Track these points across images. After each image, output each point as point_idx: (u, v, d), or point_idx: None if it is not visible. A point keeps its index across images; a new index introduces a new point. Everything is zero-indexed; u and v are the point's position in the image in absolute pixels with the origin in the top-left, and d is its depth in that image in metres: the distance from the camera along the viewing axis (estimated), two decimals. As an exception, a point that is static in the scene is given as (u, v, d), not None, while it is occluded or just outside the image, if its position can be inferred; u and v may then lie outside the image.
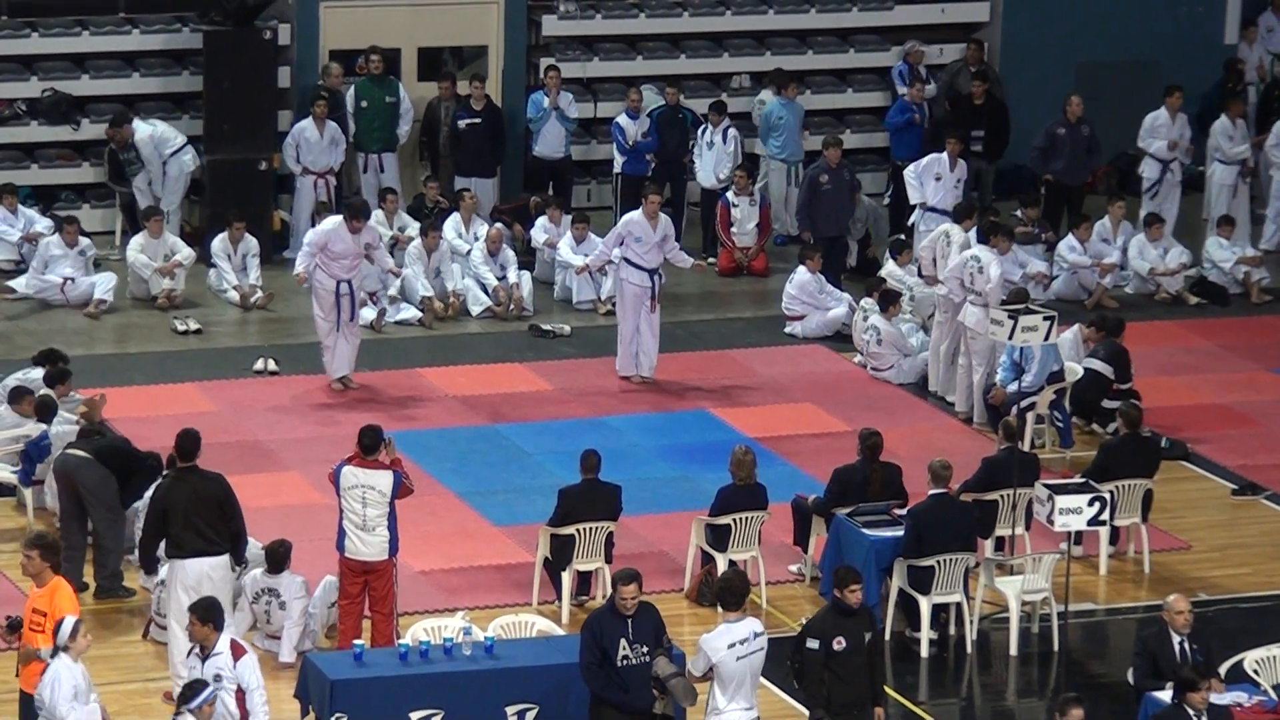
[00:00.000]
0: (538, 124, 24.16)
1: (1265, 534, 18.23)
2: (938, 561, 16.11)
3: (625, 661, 13.74)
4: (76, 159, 24.06)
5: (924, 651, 16.15)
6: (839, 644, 13.75)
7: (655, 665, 13.76)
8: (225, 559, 15.07)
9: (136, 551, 16.21)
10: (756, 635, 13.70)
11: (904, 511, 16.53)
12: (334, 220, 20.35)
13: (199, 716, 13.02)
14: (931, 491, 16.30)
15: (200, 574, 14.96)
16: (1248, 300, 23.30)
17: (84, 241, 22.51)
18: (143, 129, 23.22)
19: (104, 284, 22.22)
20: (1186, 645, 14.52)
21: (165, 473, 15.85)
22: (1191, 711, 13.58)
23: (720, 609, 13.91)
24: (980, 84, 24.82)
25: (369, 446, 15.46)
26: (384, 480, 15.41)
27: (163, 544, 15.18)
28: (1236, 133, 24.46)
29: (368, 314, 21.42)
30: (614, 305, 21.19)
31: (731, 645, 13.58)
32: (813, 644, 13.82)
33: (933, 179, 22.75)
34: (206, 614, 13.58)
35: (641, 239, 20.49)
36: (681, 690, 13.76)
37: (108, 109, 24.03)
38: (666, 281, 23.05)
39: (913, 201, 22.86)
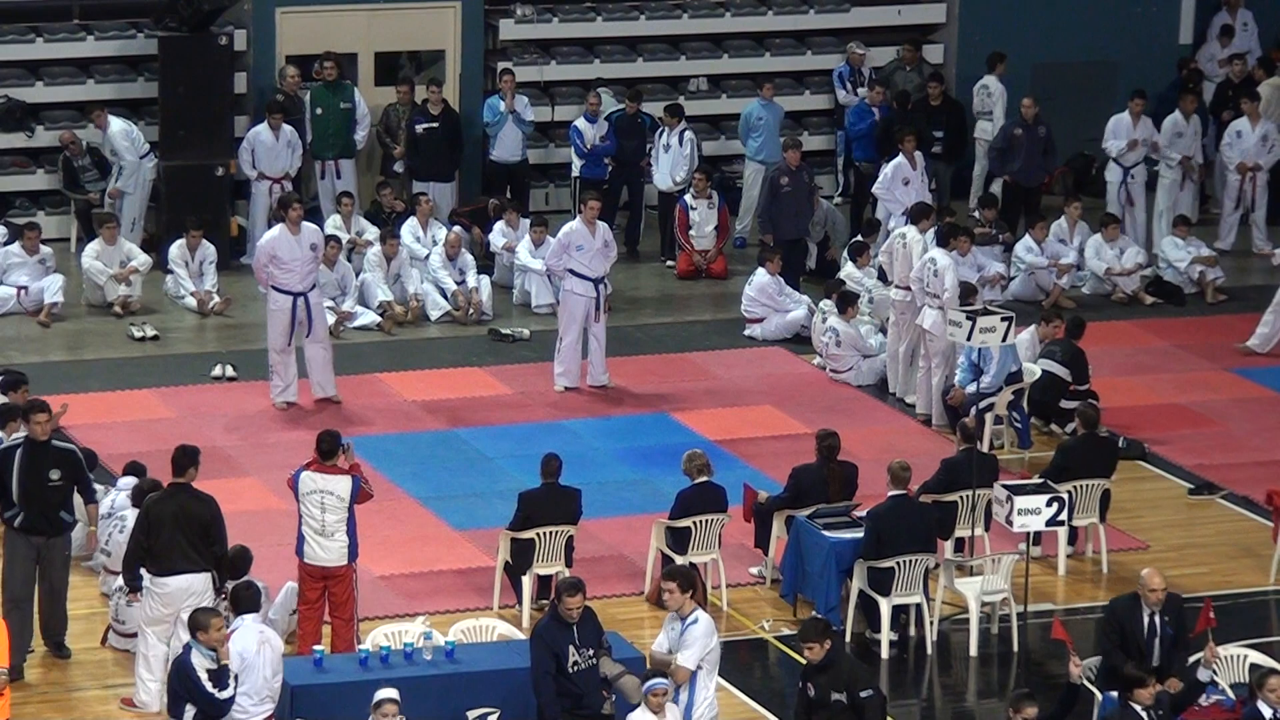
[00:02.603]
0: (494, 128, 24.15)
1: (1222, 533, 18.30)
2: (897, 563, 16.14)
3: (575, 667, 13.95)
4: (31, 166, 23.98)
5: (884, 653, 16.17)
6: (810, 690, 13.81)
7: (601, 666, 13.89)
8: (206, 577, 15.04)
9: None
10: None
11: (863, 513, 16.56)
12: (276, 227, 20.22)
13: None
14: (891, 493, 16.34)
15: (179, 590, 14.93)
16: (1203, 300, 23.39)
17: (44, 250, 22.41)
18: (118, 123, 23.13)
19: (52, 288, 22.06)
20: (1157, 619, 14.58)
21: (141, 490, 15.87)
22: (1139, 708, 13.63)
23: (691, 599, 13.97)
24: (936, 85, 24.89)
25: (327, 451, 15.43)
26: (342, 485, 15.38)
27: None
28: (1188, 129, 24.56)
29: (327, 319, 21.34)
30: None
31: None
32: (800, 684, 13.93)
33: (901, 184, 22.78)
34: (233, 598, 14.23)
35: (583, 246, 20.47)
36: (631, 688, 13.96)
37: (62, 116, 23.96)
38: (628, 286, 23.08)
39: (894, 215, 22.76)
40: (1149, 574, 14.71)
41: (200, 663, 13.51)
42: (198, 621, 13.63)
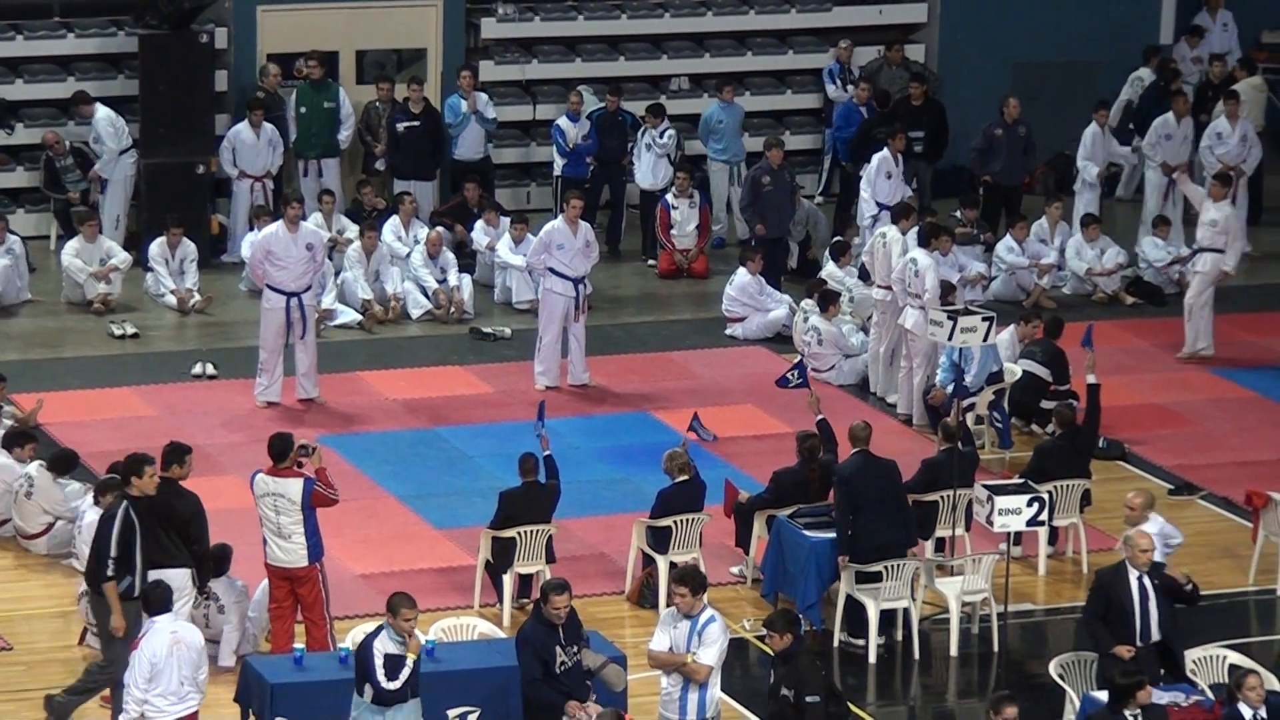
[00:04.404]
0: (457, 129, 24.10)
1: (1201, 534, 18.33)
2: (885, 567, 16.15)
3: (563, 666, 13.89)
4: (11, 163, 23.93)
5: (872, 656, 16.16)
6: (772, 676, 13.82)
7: (584, 659, 13.88)
8: (185, 572, 14.99)
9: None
10: None
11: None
12: (274, 223, 20.27)
13: None
14: (854, 452, 16.37)
15: None
16: (1183, 300, 23.39)
17: (11, 239, 22.34)
18: (104, 110, 23.09)
19: None
20: (1146, 581, 14.59)
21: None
22: (1128, 712, 13.62)
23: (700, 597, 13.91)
24: (918, 85, 24.90)
25: (277, 454, 15.37)
26: (293, 488, 15.29)
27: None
28: (1177, 131, 24.58)
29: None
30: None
31: None
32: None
33: (884, 178, 22.80)
34: (144, 599, 14.13)
35: (564, 245, 20.48)
36: (614, 676, 13.95)
37: (43, 113, 23.92)
38: (609, 284, 23.07)
39: (873, 212, 22.75)
40: (1136, 534, 14.67)
41: (382, 647, 13.50)
42: (390, 605, 13.61)
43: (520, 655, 13.91)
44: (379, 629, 13.68)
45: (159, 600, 13.96)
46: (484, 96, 24.21)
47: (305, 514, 15.27)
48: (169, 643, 13.77)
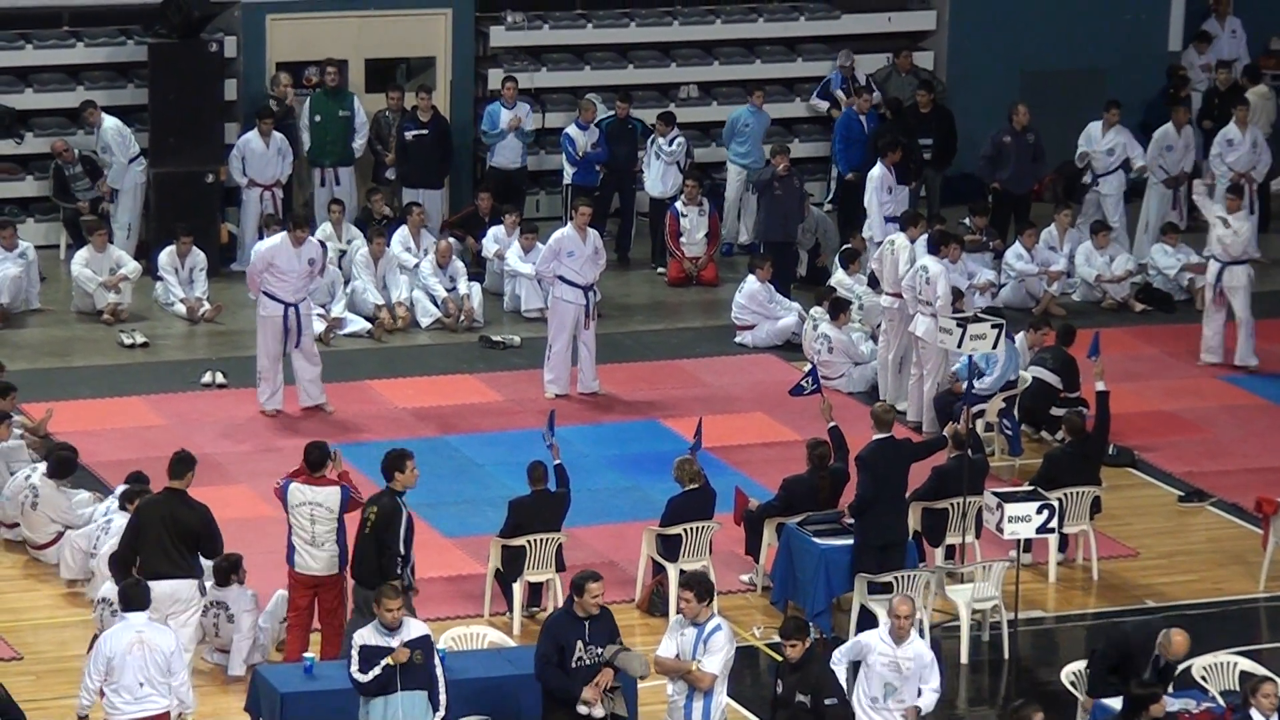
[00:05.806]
0: (494, 138, 24.09)
1: (1211, 541, 18.32)
2: (896, 578, 16.13)
3: (579, 663, 13.79)
4: (20, 173, 23.96)
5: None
6: (778, 687, 13.79)
7: (603, 654, 13.84)
8: (193, 584, 15.02)
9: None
10: None
11: (848, 506, 16.55)
12: (278, 235, 20.28)
13: None
14: (876, 436, 16.37)
15: (164, 596, 14.87)
16: (1192, 307, 23.40)
17: (23, 244, 22.36)
18: (110, 120, 23.13)
19: None
20: (1166, 664, 14.49)
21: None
22: (1142, 721, 13.61)
23: (707, 606, 13.85)
24: (926, 93, 24.90)
25: (315, 462, 15.41)
26: (331, 496, 15.35)
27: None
28: (1179, 141, 24.55)
29: (316, 325, 21.30)
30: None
31: None
32: (774, 679, 13.92)
33: (885, 193, 22.79)
34: (121, 595, 14.10)
35: (574, 253, 20.49)
36: (632, 662, 13.81)
37: (52, 123, 23.95)
38: (619, 292, 23.08)
39: (878, 227, 22.72)
40: (1177, 634, 14.44)
41: (361, 638, 13.49)
42: (375, 595, 13.65)
43: (540, 638, 13.88)
44: (372, 620, 13.68)
45: (136, 598, 13.93)
46: (525, 106, 24.19)
47: (340, 522, 15.33)
48: (129, 641, 13.71)
